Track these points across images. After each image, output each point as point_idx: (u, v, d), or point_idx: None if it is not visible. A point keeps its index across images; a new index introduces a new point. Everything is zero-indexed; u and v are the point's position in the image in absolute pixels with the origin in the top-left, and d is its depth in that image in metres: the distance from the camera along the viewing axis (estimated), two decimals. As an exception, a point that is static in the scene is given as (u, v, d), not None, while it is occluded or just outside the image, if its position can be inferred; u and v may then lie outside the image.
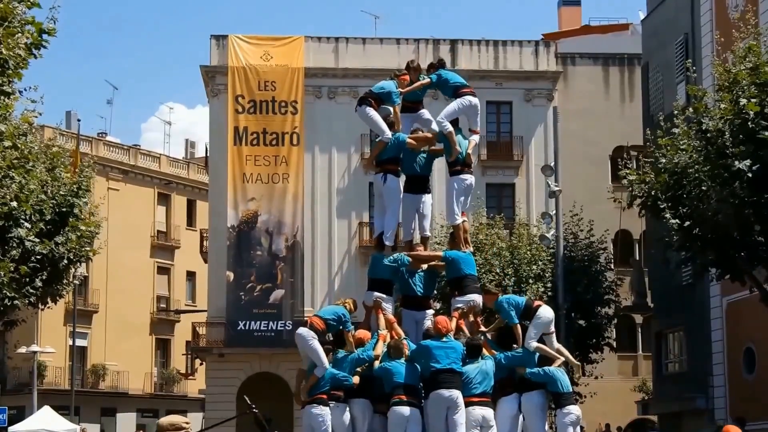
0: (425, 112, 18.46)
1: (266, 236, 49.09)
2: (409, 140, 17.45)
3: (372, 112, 17.39)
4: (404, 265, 17.08)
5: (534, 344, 16.17)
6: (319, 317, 16.53)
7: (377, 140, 17.52)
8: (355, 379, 15.83)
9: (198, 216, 66.21)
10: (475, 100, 18.03)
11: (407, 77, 18.10)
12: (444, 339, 15.63)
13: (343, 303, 16.86)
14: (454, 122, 18.15)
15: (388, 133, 17.23)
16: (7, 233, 26.91)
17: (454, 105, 17.78)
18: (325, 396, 15.81)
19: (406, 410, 15.30)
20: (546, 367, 16.19)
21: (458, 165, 17.60)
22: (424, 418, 15.48)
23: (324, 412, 15.73)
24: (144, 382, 63.94)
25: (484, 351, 16.15)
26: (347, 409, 15.87)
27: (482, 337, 16.46)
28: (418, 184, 17.77)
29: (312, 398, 15.88)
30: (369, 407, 15.90)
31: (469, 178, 17.74)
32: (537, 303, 16.69)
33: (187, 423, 9.77)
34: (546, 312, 16.48)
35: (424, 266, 17.45)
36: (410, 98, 18.17)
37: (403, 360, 15.68)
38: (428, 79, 18.22)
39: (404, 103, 18.00)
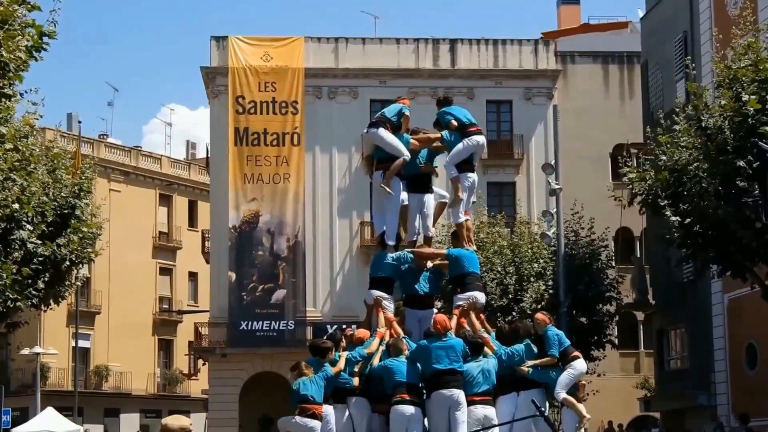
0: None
1: (268, 236, 49.16)
2: (412, 141, 17.43)
3: (386, 132, 17.13)
4: (407, 263, 17.10)
5: (563, 395, 16.13)
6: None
7: (397, 161, 17.06)
8: (355, 381, 15.86)
9: (199, 217, 66.25)
10: (482, 140, 17.64)
11: (406, 102, 17.78)
12: (444, 338, 15.65)
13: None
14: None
15: (406, 153, 17.03)
16: (10, 235, 26.94)
17: (460, 146, 17.30)
18: (327, 396, 15.85)
19: (408, 409, 15.29)
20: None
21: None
22: (426, 417, 15.53)
23: (329, 412, 15.78)
24: (147, 382, 64.00)
25: (486, 349, 16.19)
26: (347, 410, 15.92)
27: (484, 333, 16.51)
28: (422, 184, 17.76)
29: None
30: (367, 406, 15.93)
31: (472, 177, 17.75)
32: (576, 353, 16.64)
33: (191, 424, 9.84)
34: (582, 366, 16.44)
35: (429, 264, 17.48)
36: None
37: (403, 358, 15.72)
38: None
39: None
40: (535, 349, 16.46)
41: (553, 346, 16.25)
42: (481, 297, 17.09)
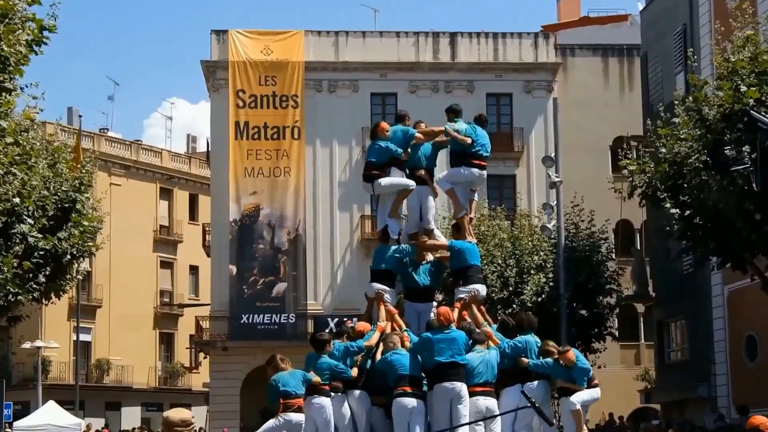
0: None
1: (268, 230, 49.21)
2: (417, 135, 17.43)
3: (385, 179, 17.05)
4: (409, 255, 17.13)
5: (578, 407, 16.32)
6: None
7: (401, 190, 17.13)
8: (354, 372, 15.91)
9: (200, 210, 66.28)
10: (484, 174, 17.68)
11: (385, 126, 17.47)
12: (446, 330, 15.69)
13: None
14: (456, 112, 18.04)
15: (411, 183, 17.02)
16: (10, 229, 26.98)
17: (461, 171, 17.34)
18: (326, 386, 15.90)
19: (411, 401, 15.31)
20: (549, 359, 16.29)
21: (464, 157, 17.60)
22: (428, 409, 15.57)
23: (325, 402, 15.82)
24: (148, 376, 64.09)
25: (489, 341, 16.25)
26: (345, 400, 15.98)
27: (487, 326, 16.57)
28: (423, 177, 17.76)
29: (312, 388, 15.99)
30: (367, 399, 15.99)
31: (476, 170, 17.78)
32: (596, 381, 16.85)
33: (193, 417, 9.88)
34: (597, 393, 16.74)
35: (430, 257, 17.50)
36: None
37: (404, 351, 15.74)
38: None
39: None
40: (539, 342, 16.54)
41: (580, 381, 16.46)
42: (482, 289, 17.14)
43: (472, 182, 17.65)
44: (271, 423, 15.58)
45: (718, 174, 24.09)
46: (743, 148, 22.43)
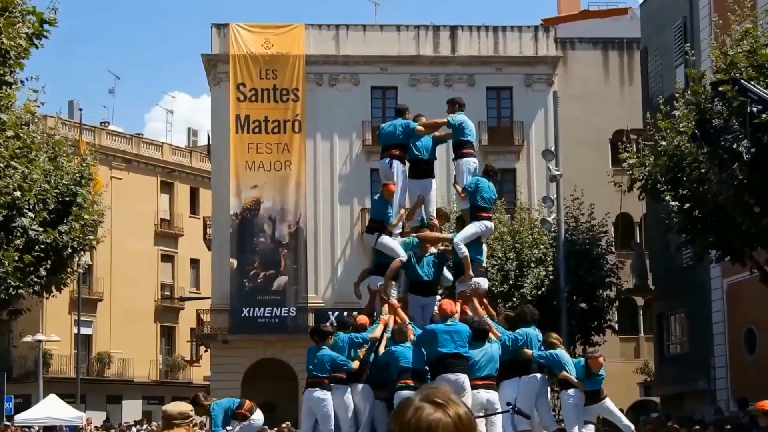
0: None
1: (269, 223, 49.26)
2: (418, 128, 17.48)
3: (385, 239, 16.94)
4: (413, 248, 17.16)
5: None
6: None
7: (394, 261, 16.91)
8: (355, 364, 15.96)
9: (201, 204, 66.29)
10: (491, 226, 17.84)
11: (392, 187, 17.26)
12: (449, 322, 15.74)
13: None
14: (460, 105, 18.11)
15: (403, 255, 16.88)
16: (11, 223, 27.05)
17: (473, 228, 17.25)
18: (327, 380, 15.96)
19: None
20: (552, 351, 16.36)
21: (464, 148, 17.69)
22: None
23: (326, 396, 15.89)
24: (149, 369, 64.17)
25: (490, 335, 16.31)
26: (348, 390, 16.03)
27: (488, 319, 16.64)
28: (425, 170, 17.82)
29: (314, 380, 16.06)
30: (370, 393, 16.04)
31: (475, 161, 17.86)
32: (605, 394, 17.32)
33: (191, 410, 9.97)
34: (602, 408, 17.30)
35: (433, 250, 17.55)
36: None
37: (408, 344, 15.81)
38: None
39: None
40: (539, 334, 16.63)
41: (596, 384, 16.87)
42: (484, 283, 17.22)
43: (482, 234, 17.61)
44: None
45: (705, 146, 24.05)
46: (731, 120, 22.40)
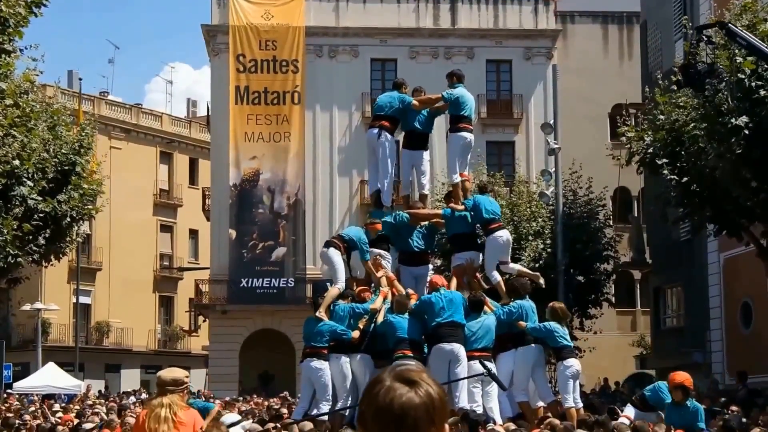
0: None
1: (268, 194, 49.33)
2: (414, 102, 17.57)
3: (334, 256, 16.82)
4: (403, 223, 17.29)
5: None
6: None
7: (331, 287, 16.89)
8: (355, 334, 16.06)
9: (200, 174, 66.32)
10: (508, 236, 17.91)
11: (378, 227, 17.31)
12: (442, 291, 15.94)
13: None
14: (459, 77, 18.15)
15: (341, 284, 16.71)
16: (10, 191, 27.07)
17: (493, 247, 17.32)
18: (325, 350, 16.06)
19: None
20: (546, 323, 16.47)
21: (460, 122, 17.76)
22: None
23: (323, 366, 15.99)
24: (147, 339, 64.35)
25: (486, 308, 16.44)
26: (347, 360, 16.14)
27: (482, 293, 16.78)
28: (418, 141, 17.91)
29: (312, 350, 16.17)
30: (370, 362, 16.16)
31: (469, 136, 17.90)
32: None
33: (186, 377, 10.07)
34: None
35: (424, 222, 17.69)
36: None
37: (406, 315, 15.91)
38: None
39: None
40: (533, 306, 16.74)
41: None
42: (478, 257, 17.33)
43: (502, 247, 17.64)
44: None
45: (689, 87, 24.05)
46: (716, 63, 22.42)
